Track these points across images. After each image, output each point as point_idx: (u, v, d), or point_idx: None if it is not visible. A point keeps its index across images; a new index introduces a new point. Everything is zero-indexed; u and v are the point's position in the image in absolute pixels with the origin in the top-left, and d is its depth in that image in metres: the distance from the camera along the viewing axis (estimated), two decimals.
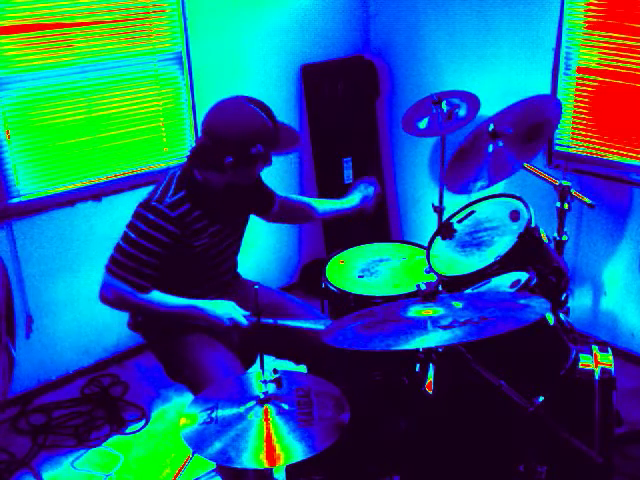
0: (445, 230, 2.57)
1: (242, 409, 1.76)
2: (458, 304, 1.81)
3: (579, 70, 3.31)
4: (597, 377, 2.04)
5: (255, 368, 2.38)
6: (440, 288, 2.28)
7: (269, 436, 1.68)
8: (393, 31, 4.05)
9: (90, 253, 3.35)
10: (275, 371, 1.80)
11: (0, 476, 2.86)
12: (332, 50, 4.02)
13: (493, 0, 3.53)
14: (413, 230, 4.31)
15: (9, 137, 3.06)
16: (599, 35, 3.18)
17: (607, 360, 2.10)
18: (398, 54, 4.06)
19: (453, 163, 2.91)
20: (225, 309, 2.27)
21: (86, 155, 3.30)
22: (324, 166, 4.09)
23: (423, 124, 3.20)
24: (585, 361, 2.08)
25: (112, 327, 3.47)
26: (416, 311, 1.79)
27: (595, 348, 2.15)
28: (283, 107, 3.85)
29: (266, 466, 1.62)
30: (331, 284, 2.61)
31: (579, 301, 3.57)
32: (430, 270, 2.47)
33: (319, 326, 2.22)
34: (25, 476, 2.87)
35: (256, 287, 1.88)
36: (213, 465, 2.65)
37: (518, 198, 2.50)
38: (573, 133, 3.42)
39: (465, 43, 3.70)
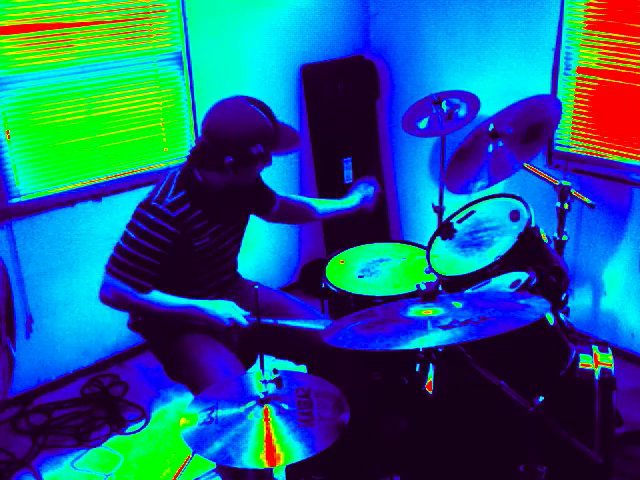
0: (445, 230, 2.57)
1: (242, 409, 1.76)
2: (458, 304, 1.81)
3: (579, 70, 3.31)
4: (597, 377, 2.04)
5: (255, 368, 2.38)
6: (440, 288, 2.29)
7: (269, 436, 1.68)
8: (393, 31, 4.05)
9: (90, 253, 3.35)
10: (275, 371, 1.80)
11: (0, 476, 2.86)
12: (332, 50, 4.02)
13: (493, 0, 3.53)
14: (413, 230, 4.31)
15: (9, 137, 3.06)
16: (599, 35, 3.18)
17: (607, 360, 2.10)
18: (398, 54, 4.06)
19: (453, 163, 2.91)
20: (225, 309, 2.27)
21: (86, 155, 3.30)
22: (324, 166, 4.09)
23: (423, 124, 3.19)
24: (585, 361, 2.08)
25: (112, 327, 3.47)
26: (416, 311, 1.79)
27: (595, 348, 2.15)
28: (283, 107, 3.85)
29: (266, 466, 1.62)
30: (331, 284, 2.61)
31: (579, 301, 3.57)
32: (430, 270, 2.47)
33: (319, 326, 2.22)
34: (25, 476, 2.87)
35: (256, 287, 1.88)
36: (213, 465, 2.65)
37: (518, 198, 2.50)
38: (573, 133, 3.42)
39: (465, 43, 3.70)
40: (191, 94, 3.53)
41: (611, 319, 3.50)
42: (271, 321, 2.25)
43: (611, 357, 2.12)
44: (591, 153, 3.35)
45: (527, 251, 2.31)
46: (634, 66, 3.10)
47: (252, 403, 1.77)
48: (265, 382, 1.78)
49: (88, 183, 3.32)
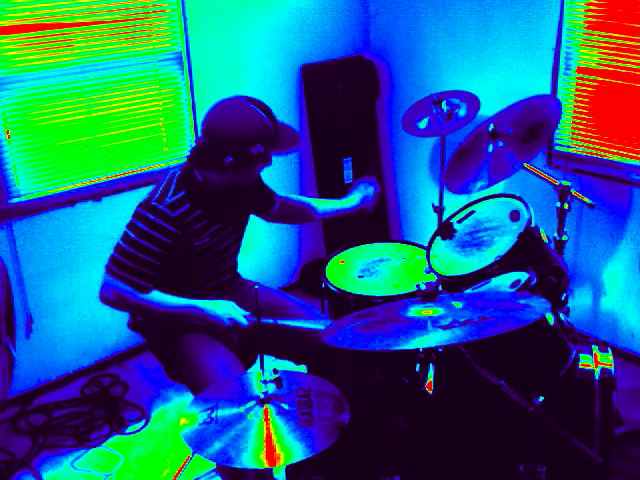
0: (445, 230, 2.57)
1: (242, 409, 1.76)
2: (458, 304, 1.81)
3: (579, 70, 3.31)
4: (597, 377, 2.04)
5: (255, 368, 2.38)
6: (440, 288, 2.29)
7: (269, 436, 1.68)
8: (393, 31, 4.05)
9: (90, 253, 3.35)
10: (275, 371, 1.80)
11: (0, 476, 2.86)
12: (332, 50, 4.02)
13: (493, 0, 3.53)
14: (413, 230, 4.31)
15: (9, 137, 3.06)
16: (599, 35, 3.18)
17: (607, 360, 2.09)
18: (398, 54, 4.06)
19: (453, 163, 2.91)
20: (225, 309, 2.27)
21: (86, 155, 3.30)
22: (324, 166, 4.09)
23: (423, 124, 3.19)
24: (585, 361, 2.08)
25: (112, 327, 3.47)
26: (416, 311, 1.79)
27: (595, 348, 2.14)
28: (283, 107, 3.85)
29: (266, 466, 1.62)
30: (331, 284, 2.61)
31: (579, 301, 3.57)
32: (430, 270, 2.47)
33: (319, 326, 2.22)
34: (25, 476, 2.87)
35: (256, 287, 1.88)
36: (213, 465, 2.65)
37: (518, 198, 2.49)
38: (573, 133, 3.42)
39: (465, 43, 3.70)
40: (191, 94, 3.53)
41: (611, 319, 3.50)
42: (271, 321, 2.25)
43: (611, 357, 2.12)
44: (591, 153, 3.35)
45: (527, 251, 2.31)
46: (634, 66, 3.10)
47: (252, 403, 1.77)
48: (265, 382, 1.78)
49: (88, 183, 3.32)
